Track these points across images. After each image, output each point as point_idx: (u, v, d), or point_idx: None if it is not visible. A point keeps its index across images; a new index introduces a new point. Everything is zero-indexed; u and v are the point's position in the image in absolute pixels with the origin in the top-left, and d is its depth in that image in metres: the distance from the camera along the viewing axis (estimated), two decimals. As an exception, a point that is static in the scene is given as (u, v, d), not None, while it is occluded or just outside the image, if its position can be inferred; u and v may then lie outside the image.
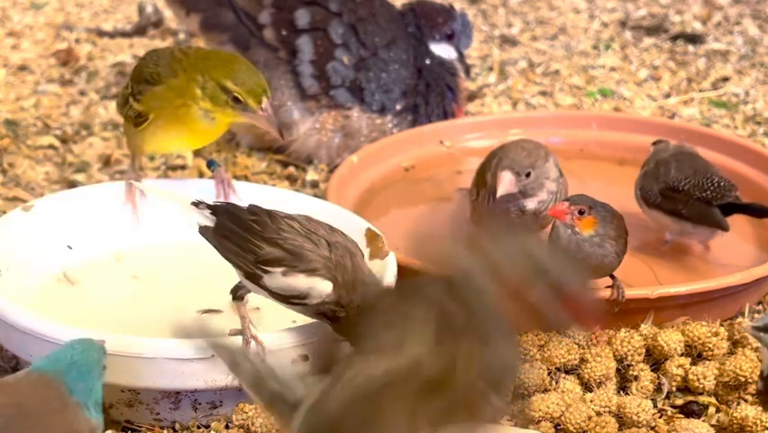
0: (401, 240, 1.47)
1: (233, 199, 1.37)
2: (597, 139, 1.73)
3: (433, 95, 1.76)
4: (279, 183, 1.68)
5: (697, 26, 2.27)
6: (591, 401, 1.18)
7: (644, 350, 1.23)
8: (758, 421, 1.14)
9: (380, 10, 1.76)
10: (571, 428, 1.15)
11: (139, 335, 1.14)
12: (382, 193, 1.62)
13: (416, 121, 1.74)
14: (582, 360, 1.21)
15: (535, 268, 0.94)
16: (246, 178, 1.67)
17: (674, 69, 2.09)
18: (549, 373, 1.20)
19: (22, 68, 2.04)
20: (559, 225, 1.24)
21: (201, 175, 1.67)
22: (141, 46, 2.14)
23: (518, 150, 1.39)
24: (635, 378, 1.22)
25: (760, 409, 1.14)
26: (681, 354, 1.23)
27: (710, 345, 1.23)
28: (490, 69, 2.09)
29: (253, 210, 1.15)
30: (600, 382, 1.20)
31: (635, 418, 1.15)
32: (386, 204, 1.60)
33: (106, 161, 1.72)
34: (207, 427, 1.18)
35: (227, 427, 1.16)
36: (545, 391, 1.19)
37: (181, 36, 2.18)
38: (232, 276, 1.16)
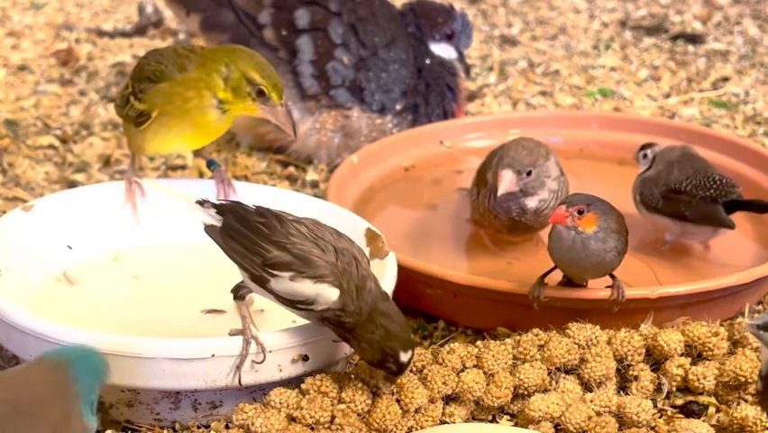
0: (401, 240, 1.47)
1: (235, 199, 1.37)
2: (597, 139, 1.72)
3: (433, 95, 1.76)
4: (279, 183, 1.68)
5: (697, 26, 2.27)
6: (591, 401, 1.18)
7: (644, 350, 1.23)
8: (758, 421, 1.14)
9: (380, 10, 1.76)
10: (571, 428, 1.15)
11: (139, 335, 1.14)
12: (382, 193, 1.62)
13: (416, 121, 1.74)
14: (582, 360, 1.21)
15: None
16: (246, 178, 1.67)
17: (674, 69, 2.09)
18: (549, 373, 1.20)
19: (22, 68, 2.04)
20: (561, 228, 1.22)
21: (201, 175, 1.67)
22: (141, 46, 2.14)
23: (519, 148, 1.38)
24: (635, 378, 1.22)
25: (759, 408, 1.14)
26: (681, 354, 1.23)
27: (710, 345, 1.22)
28: (490, 69, 2.09)
29: (261, 212, 1.14)
30: (600, 382, 1.20)
31: (635, 418, 1.15)
32: (386, 204, 1.60)
33: (106, 161, 1.72)
34: (207, 427, 1.17)
35: (227, 427, 1.16)
36: (545, 391, 1.19)
37: (181, 36, 2.18)
38: (232, 276, 1.16)
